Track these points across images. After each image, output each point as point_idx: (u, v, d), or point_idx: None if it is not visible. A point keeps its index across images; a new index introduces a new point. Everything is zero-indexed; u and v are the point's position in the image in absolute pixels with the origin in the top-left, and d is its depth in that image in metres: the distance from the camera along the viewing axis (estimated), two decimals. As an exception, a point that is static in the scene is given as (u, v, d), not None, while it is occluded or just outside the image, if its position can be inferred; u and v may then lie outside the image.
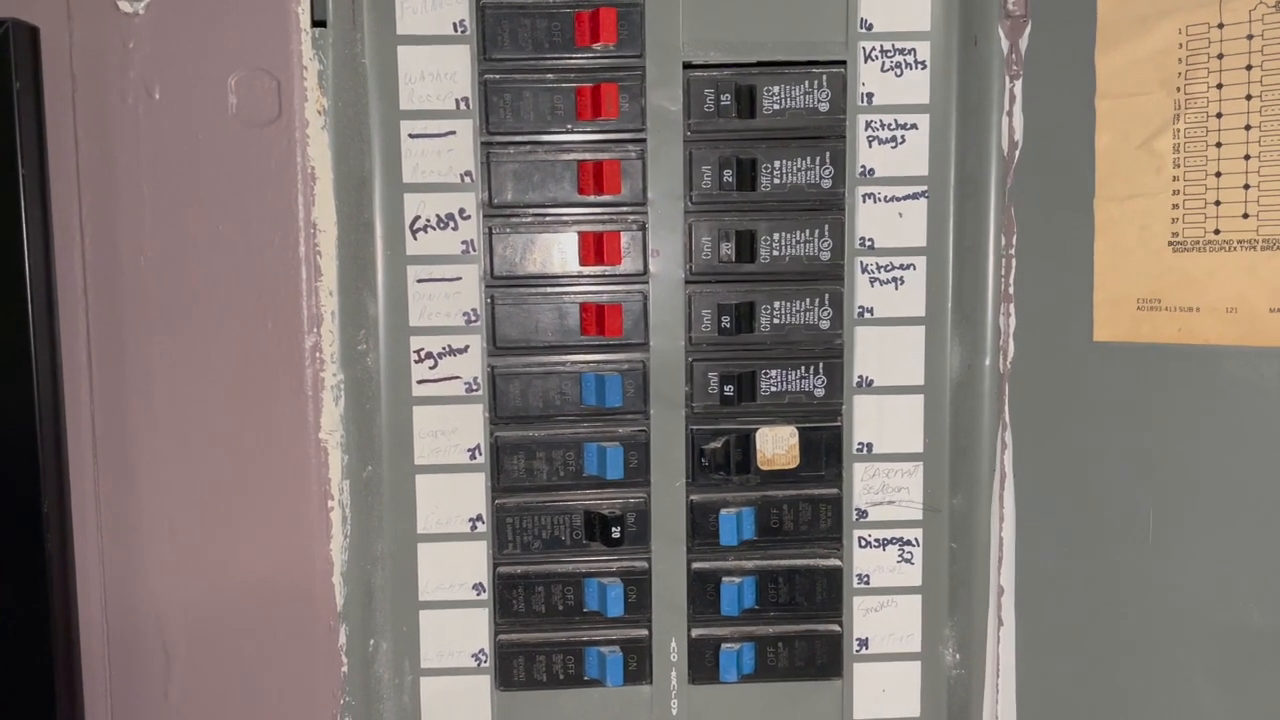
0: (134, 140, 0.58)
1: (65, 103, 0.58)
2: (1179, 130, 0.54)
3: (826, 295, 0.63)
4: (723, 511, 0.63)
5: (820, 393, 0.63)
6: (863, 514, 0.64)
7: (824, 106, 0.61)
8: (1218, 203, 0.53)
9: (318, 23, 0.58)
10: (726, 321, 0.62)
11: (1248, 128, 0.52)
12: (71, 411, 0.59)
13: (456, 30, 0.60)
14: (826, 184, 0.62)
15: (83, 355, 0.59)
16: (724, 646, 0.64)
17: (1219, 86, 0.52)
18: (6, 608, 0.56)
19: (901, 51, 0.61)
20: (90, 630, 0.60)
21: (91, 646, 0.60)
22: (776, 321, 0.62)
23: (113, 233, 0.58)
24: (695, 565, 0.64)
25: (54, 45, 0.57)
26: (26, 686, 0.57)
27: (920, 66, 0.61)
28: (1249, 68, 0.51)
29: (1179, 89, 0.54)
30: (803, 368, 0.63)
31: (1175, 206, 0.54)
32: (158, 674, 0.61)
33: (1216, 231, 0.53)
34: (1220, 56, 0.52)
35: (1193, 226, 0.54)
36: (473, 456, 0.63)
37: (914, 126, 0.62)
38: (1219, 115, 0.53)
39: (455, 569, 0.63)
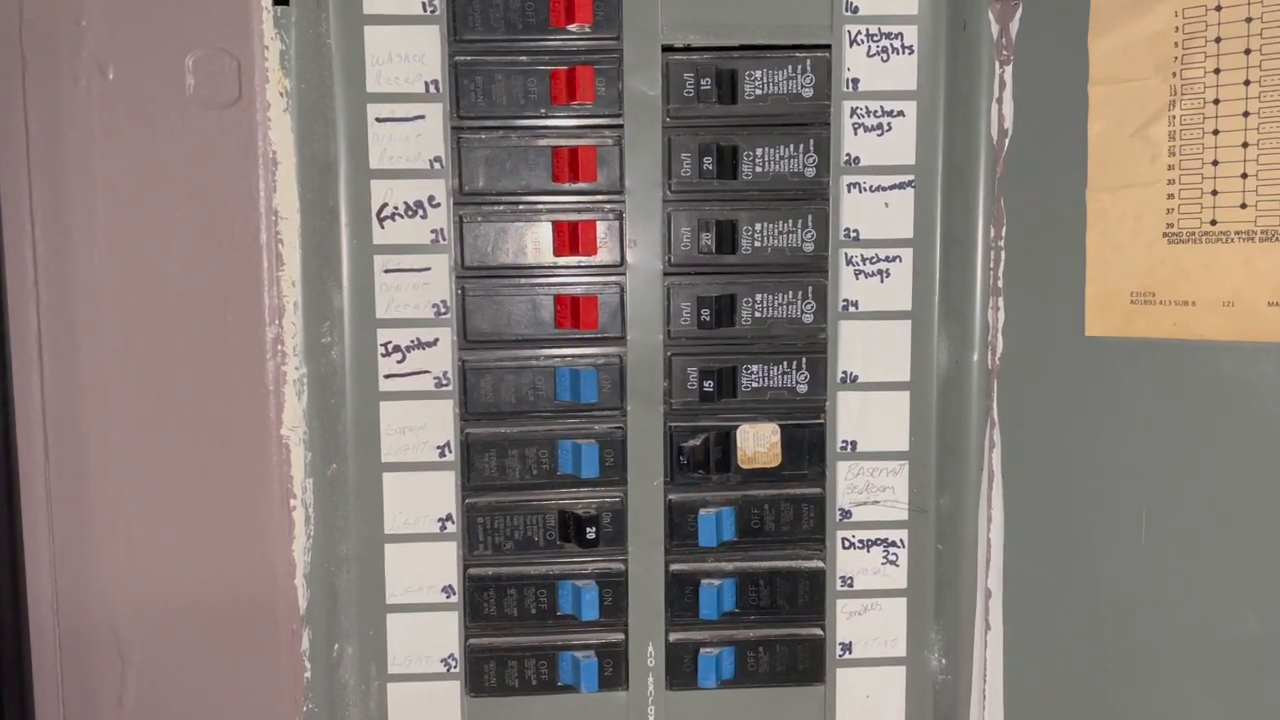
0: (87, 123, 0.55)
1: (15, 83, 0.55)
2: (1175, 117, 0.52)
3: (810, 288, 0.61)
4: (702, 511, 0.61)
5: (803, 389, 0.61)
6: (846, 514, 0.62)
7: (808, 92, 0.59)
8: (1214, 192, 0.51)
9: (280, 1, 0.56)
10: (706, 315, 0.60)
11: (1246, 114, 0.50)
12: (21, 408, 0.56)
13: (426, 10, 0.58)
14: (810, 173, 0.60)
15: (33, 349, 0.56)
16: (703, 651, 0.62)
17: (1216, 71, 0.51)
18: (-50, 612, 0.54)
19: (888, 35, 0.59)
20: (41, 635, 0.58)
21: (43, 652, 0.58)
22: (758, 315, 0.60)
23: (64, 220, 0.56)
24: (673, 567, 0.62)
25: (3, 23, 0.54)
26: (-27, 694, 0.55)
27: (907, 51, 0.59)
28: (1248, 52, 0.49)
29: (1175, 74, 0.52)
30: (785, 363, 0.61)
31: (1170, 196, 0.52)
32: (112, 680, 0.59)
33: (1213, 222, 0.51)
34: (1218, 40, 0.50)
35: (1188, 217, 0.52)
36: (442, 454, 0.60)
37: (900, 114, 0.60)
38: (1216, 101, 0.51)
39: (424, 571, 0.61)
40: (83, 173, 0.56)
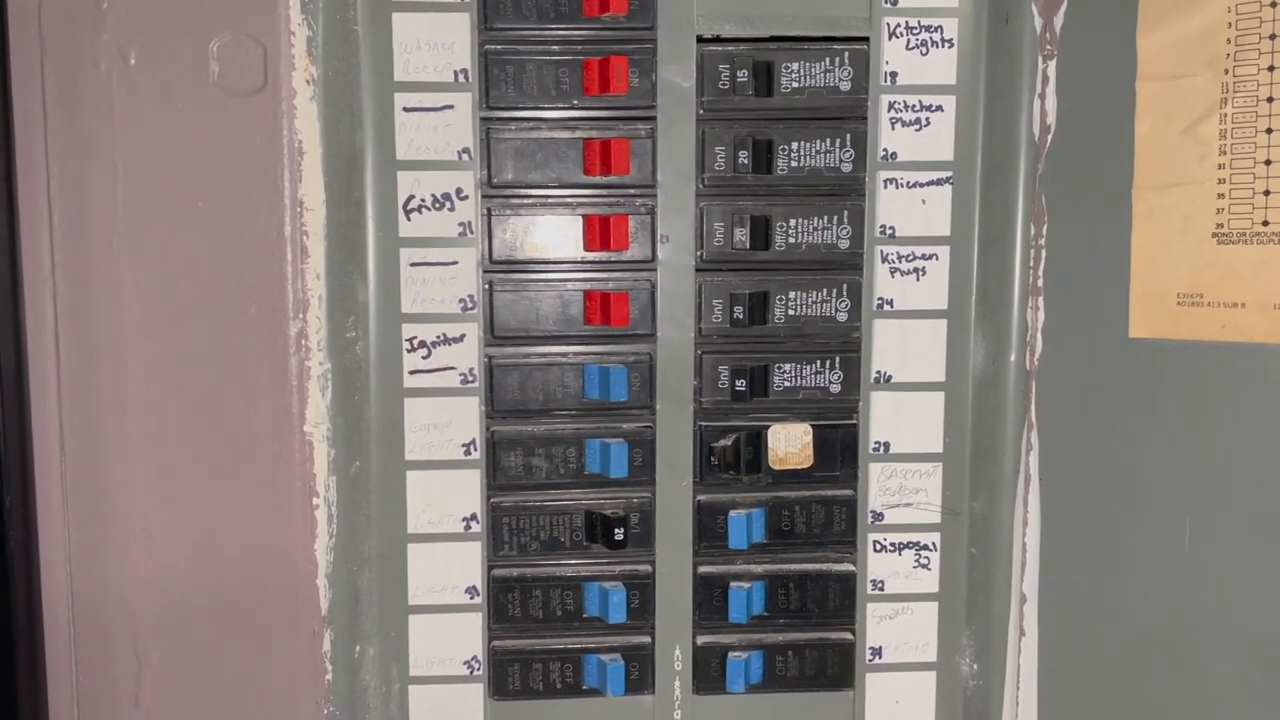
0: (107, 109, 0.54)
1: (33, 68, 0.54)
2: (1226, 115, 0.51)
3: (844, 286, 0.59)
4: (732, 513, 0.60)
5: (836, 389, 0.60)
6: (878, 517, 0.61)
7: (845, 85, 0.58)
8: (1267, 192, 0.50)
9: (307, -15, 0.55)
10: (739, 312, 0.59)
11: (1302, 113, 0.49)
12: (37, 401, 0.55)
13: (456, -3, 0.56)
14: (846, 168, 0.59)
15: (49, 341, 0.55)
16: (731, 655, 0.61)
17: (1271, 69, 0.49)
18: (-36, 610, 0.53)
19: (928, 28, 0.58)
20: (56, 633, 0.56)
21: (58, 650, 0.57)
22: (791, 313, 0.59)
23: (83, 209, 0.54)
24: (702, 569, 0.61)
25: (21, 5, 0.53)
26: (-13, 693, 0.54)
27: (947, 45, 0.58)
28: (1304, 48, 0.48)
29: (1227, 71, 0.51)
30: (818, 362, 0.60)
31: (1220, 196, 0.51)
32: (128, 679, 0.57)
33: (1265, 223, 0.50)
34: (1273, 37, 0.49)
35: (1239, 217, 0.51)
36: (467, 452, 0.59)
37: (939, 108, 0.59)
38: (1270, 99, 0.49)
39: (447, 571, 0.60)
40: (102, 160, 0.54)
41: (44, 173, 0.54)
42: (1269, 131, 0.50)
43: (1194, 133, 0.52)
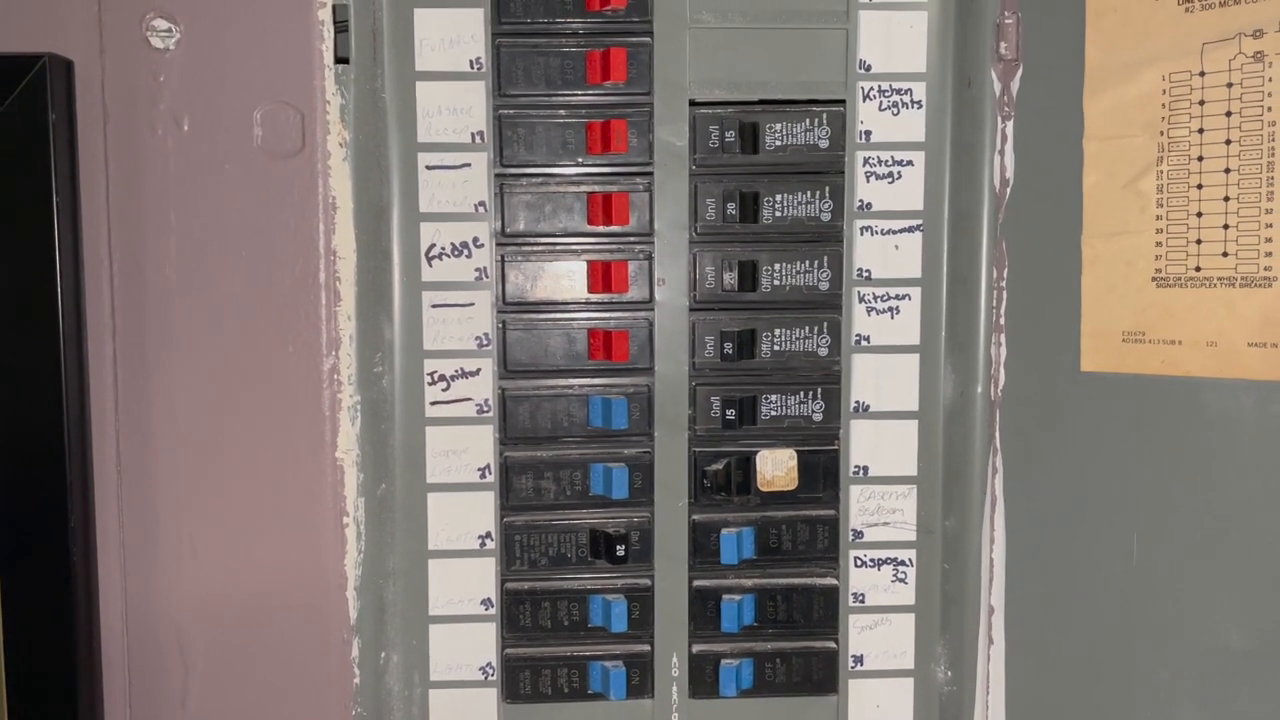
0: (162, 170, 0.60)
1: (97, 133, 0.60)
2: (1162, 172, 0.56)
3: (825, 323, 0.65)
4: (724, 531, 0.65)
5: (818, 417, 0.65)
6: (859, 535, 0.66)
7: (824, 143, 0.64)
8: (1199, 241, 0.55)
9: (340, 59, 0.61)
10: (729, 348, 0.64)
11: (1227, 171, 0.54)
12: (98, 431, 0.61)
13: (473, 67, 0.62)
14: (826, 217, 0.64)
15: (109, 376, 0.61)
16: (724, 662, 0.65)
17: (1200, 131, 0.55)
18: (34, 617, 0.58)
19: (898, 92, 0.64)
20: (111, 641, 0.62)
21: (112, 657, 0.62)
22: (777, 348, 0.65)
23: (140, 258, 0.60)
24: (696, 583, 0.66)
25: (87, 79, 0.59)
26: (51, 693, 0.59)
27: (916, 106, 0.64)
28: (1228, 114, 0.54)
29: (1162, 133, 0.56)
30: (802, 393, 0.65)
31: (1159, 244, 0.57)
32: (176, 684, 0.62)
33: (1198, 269, 0.55)
34: (1202, 103, 0.55)
35: (1175, 263, 0.56)
36: (483, 476, 0.65)
37: (910, 163, 0.64)
38: (1200, 158, 0.55)
39: (464, 584, 0.65)
40: (157, 215, 0.60)
41: (105, 226, 0.60)
42: (1199, 187, 0.55)
43: (1134, 187, 0.57)
